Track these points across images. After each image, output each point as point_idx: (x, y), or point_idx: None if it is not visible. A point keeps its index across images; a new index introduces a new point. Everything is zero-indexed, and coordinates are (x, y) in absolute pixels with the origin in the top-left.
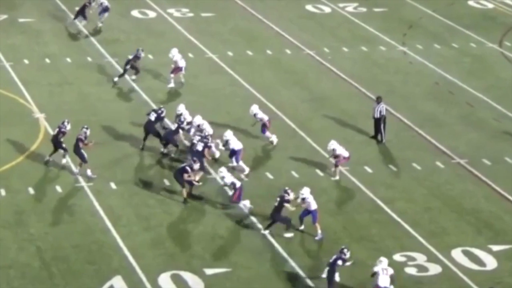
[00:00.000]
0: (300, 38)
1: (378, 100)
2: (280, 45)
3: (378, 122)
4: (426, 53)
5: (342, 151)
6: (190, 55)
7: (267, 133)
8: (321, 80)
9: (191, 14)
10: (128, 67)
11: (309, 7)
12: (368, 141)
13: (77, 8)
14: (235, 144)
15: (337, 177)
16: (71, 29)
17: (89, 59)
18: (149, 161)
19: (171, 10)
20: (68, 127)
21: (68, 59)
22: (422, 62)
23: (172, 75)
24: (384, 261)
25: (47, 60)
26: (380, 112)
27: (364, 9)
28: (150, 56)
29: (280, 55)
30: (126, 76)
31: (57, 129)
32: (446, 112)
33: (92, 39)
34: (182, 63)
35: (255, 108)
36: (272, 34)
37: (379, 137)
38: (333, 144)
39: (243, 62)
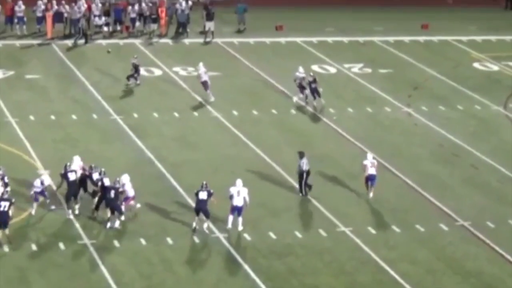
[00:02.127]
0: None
1: (301, 155)
2: (285, 104)
3: (301, 177)
4: (431, 114)
5: None
6: (195, 113)
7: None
8: (326, 141)
9: (196, 73)
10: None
11: (315, 67)
12: (371, 201)
13: (83, 66)
14: (130, 190)
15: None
16: (76, 86)
17: (95, 116)
18: (152, 218)
19: (176, 69)
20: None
21: (74, 116)
22: (426, 123)
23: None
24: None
25: (53, 117)
26: (302, 166)
27: (369, 70)
28: (155, 114)
29: (284, 115)
30: (131, 134)
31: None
32: (450, 174)
33: (98, 96)
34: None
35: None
36: (277, 93)
37: (303, 191)
38: None
39: (248, 121)
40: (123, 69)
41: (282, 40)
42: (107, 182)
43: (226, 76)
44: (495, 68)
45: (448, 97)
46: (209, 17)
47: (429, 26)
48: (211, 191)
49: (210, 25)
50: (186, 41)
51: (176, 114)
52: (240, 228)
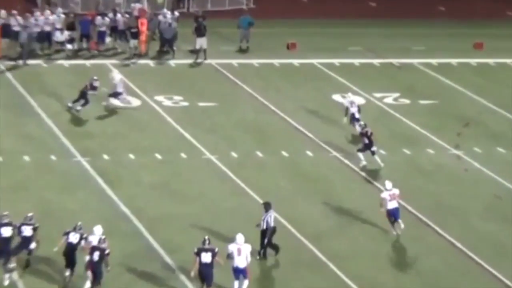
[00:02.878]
0: (324, 136)
1: (266, 207)
2: (299, 144)
3: (264, 235)
4: (486, 158)
5: None
6: (183, 155)
7: None
8: (350, 191)
9: (185, 103)
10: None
11: (336, 97)
12: (405, 269)
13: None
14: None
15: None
16: (30, 118)
17: (53, 157)
18: (124, 283)
19: (159, 98)
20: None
21: (26, 158)
22: (480, 169)
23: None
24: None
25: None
26: (267, 222)
27: (407, 101)
28: (131, 156)
29: (298, 158)
30: (100, 181)
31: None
32: (510, 234)
33: (57, 131)
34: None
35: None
36: (288, 130)
37: (264, 253)
38: None
39: (250, 165)
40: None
41: (295, 61)
42: (94, 240)
43: (223, 107)
44: None
45: (507, 135)
46: (200, 32)
47: (483, 46)
48: (216, 249)
49: (201, 42)
50: (172, 62)
51: (158, 156)
52: None
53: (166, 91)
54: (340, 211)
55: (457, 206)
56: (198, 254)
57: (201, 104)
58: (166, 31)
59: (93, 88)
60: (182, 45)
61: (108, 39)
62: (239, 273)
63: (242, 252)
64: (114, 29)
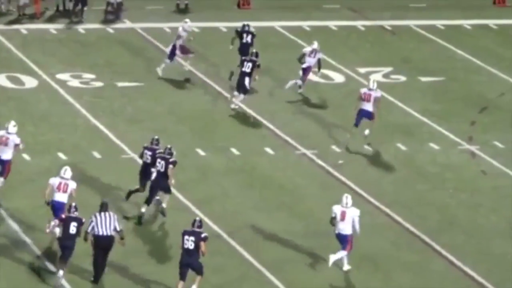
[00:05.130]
0: (289, 128)
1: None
2: (254, 139)
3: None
4: (511, 154)
5: None
6: (96, 154)
7: None
8: (324, 201)
9: (98, 83)
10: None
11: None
12: None
13: None
14: None
15: None
16: None
17: None
18: None
19: (62, 76)
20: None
21: None
22: (502, 170)
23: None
24: None
25: None
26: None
27: (402, 78)
28: (25, 156)
29: (253, 157)
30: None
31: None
32: None
33: None
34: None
35: None
36: (240, 119)
37: None
38: None
39: (188, 167)
40: None
41: (249, 23)
42: None
43: (151, 89)
44: None
45: None
46: None
47: (506, 0)
48: (203, 234)
49: None
50: (81, 27)
51: (61, 156)
52: None
53: (73, 67)
54: (311, 229)
55: (471, 222)
56: (182, 236)
57: (120, 84)
58: None
59: None
60: (94, 3)
61: None
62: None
63: (347, 216)
64: None
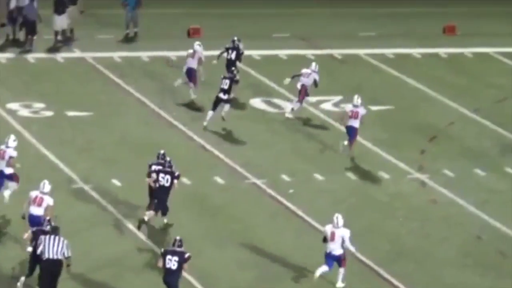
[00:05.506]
0: (240, 156)
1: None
2: (205, 168)
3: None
4: (461, 183)
5: None
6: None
7: None
8: (276, 231)
9: (48, 113)
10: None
11: (255, 101)
12: None
13: None
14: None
15: None
16: None
17: None
18: None
19: (12, 105)
20: None
21: None
22: (453, 200)
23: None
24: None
25: None
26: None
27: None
28: None
29: (203, 186)
30: None
31: None
32: (493, 286)
33: None
34: None
35: None
36: (190, 148)
37: None
38: None
39: (137, 197)
40: None
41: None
42: None
43: (101, 118)
44: None
45: (489, 153)
46: (58, 8)
47: (456, 29)
48: (187, 254)
49: (61, 22)
50: (31, 56)
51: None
52: None
53: (22, 97)
54: (264, 260)
55: (422, 251)
56: (163, 256)
57: (70, 113)
58: (27, 10)
59: None
60: (44, 32)
61: None
62: (331, 259)
63: (336, 236)
64: None
